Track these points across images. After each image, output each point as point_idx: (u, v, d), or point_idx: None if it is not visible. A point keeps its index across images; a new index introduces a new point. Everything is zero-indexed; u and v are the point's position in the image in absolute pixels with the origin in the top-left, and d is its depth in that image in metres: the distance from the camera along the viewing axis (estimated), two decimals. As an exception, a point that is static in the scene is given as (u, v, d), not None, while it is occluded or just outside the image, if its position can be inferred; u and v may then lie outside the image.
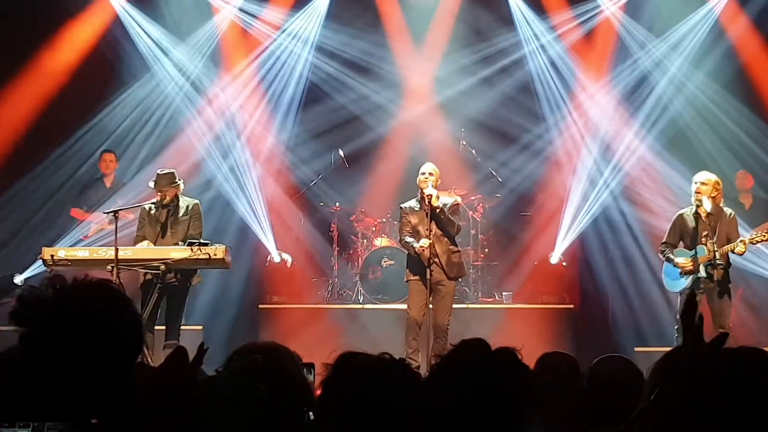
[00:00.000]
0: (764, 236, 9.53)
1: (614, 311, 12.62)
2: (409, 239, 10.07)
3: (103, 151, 12.52)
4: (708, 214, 9.52)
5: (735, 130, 12.64)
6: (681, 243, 9.81)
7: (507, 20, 13.29)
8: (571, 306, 12.13)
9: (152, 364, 8.99)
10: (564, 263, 12.67)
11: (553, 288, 12.51)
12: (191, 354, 2.43)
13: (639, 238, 12.70)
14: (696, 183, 9.62)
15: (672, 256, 9.72)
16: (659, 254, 10.01)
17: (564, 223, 12.78)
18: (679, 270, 9.69)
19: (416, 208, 10.14)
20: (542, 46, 13.31)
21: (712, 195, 9.56)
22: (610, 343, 11.94)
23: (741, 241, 9.44)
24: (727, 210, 9.81)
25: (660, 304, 11.99)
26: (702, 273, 9.48)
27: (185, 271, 9.65)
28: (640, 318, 12.34)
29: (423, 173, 10.06)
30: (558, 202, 13.01)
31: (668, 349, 3.36)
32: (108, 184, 12.33)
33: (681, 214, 9.86)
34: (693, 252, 9.59)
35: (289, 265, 12.75)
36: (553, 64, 13.31)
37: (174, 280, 9.59)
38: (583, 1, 13.16)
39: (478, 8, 13.18)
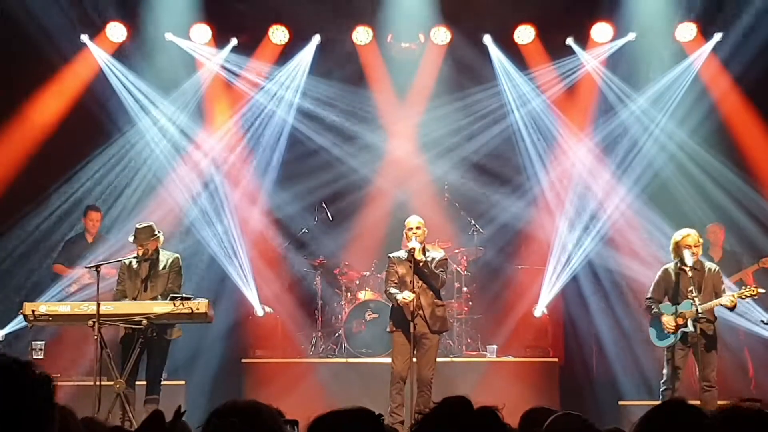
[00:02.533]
0: (753, 291, 9.58)
1: (598, 364, 12.60)
2: (393, 290, 10.06)
3: (89, 207, 12.45)
4: (692, 269, 9.56)
5: (716, 184, 12.70)
6: (666, 297, 9.84)
7: (490, 75, 13.37)
8: (556, 359, 12.10)
9: (133, 421, 8.92)
10: (547, 316, 12.64)
11: (538, 341, 12.49)
12: (168, 415, 2.39)
13: (622, 291, 12.71)
14: (689, 245, 9.63)
15: (660, 312, 9.75)
16: (646, 309, 10.02)
17: (548, 276, 12.78)
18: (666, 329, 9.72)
19: (404, 259, 10.14)
20: (524, 100, 13.40)
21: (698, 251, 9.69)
22: (594, 396, 11.93)
23: (731, 294, 9.49)
24: (710, 264, 9.89)
25: (644, 357, 11.98)
26: (690, 327, 9.51)
27: (163, 325, 9.58)
28: (624, 371, 12.30)
29: (410, 228, 10.08)
30: (541, 255, 13.02)
31: (653, 403, 3.35)
32: (90, 240, 12.27)
33: (666, 269, 9.89)
34: (674, 309, 9.62)
35: (263, 313, 12.65)
36: (535, 117, 13.40)
37: (154, 334, 9.50)
38: (565, 56, 13.29)
39: (461, 62, 13.26)
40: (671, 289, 9.78)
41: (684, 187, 12.82)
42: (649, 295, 9.98)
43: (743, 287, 9.99)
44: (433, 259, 10.10)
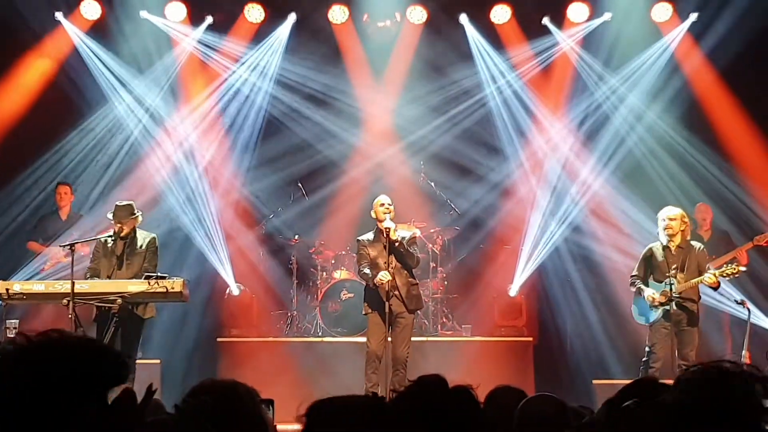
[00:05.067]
0: (735, 269, 9.60)
1: (572, 344, 12.67)
2: (367, 270, 10.08)
3: (58, 183, 12.39)
4: (677, 248, 9.61)
5: (690, 163, 12.77)
6: (651, 276, 9.89)
7: (466, 55, 13.35)
8: (530, 339, 12.14)
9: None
10: (522, 295, 12.70)
11: (512, 321, 12.51)
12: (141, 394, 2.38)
13: (598, 270, 12.78)
14: (664, 219, 9.70)
15: (642, 287, 9.80)
16: (630, 286, 10.07)
17: (523, 255, 12.82)
18: (649, 303, 9.77)
19: (374, 241, 10.14)
20: (500, 81, 13.39)
21: (681, 229, 9.67)
22: (568, 375, 12.00)
23: (713, 273, 9.52)
24: (696, 244, 9.94)
25: (617, 336, 12.09)
26: (673, 305, 9.54)
27: (136, 304, 9.54)
28: (598, 350, 12.39)
29: (382, 204, 10.09)
30: (517, 234, 13.05)
31: (625, 381, 3.37)
32: (63, 217, 12.20)
33: (651, 248, 9.94)
34: (663, 285, 9.66)
35: (239, 292, 12.63)
36: (511, 98, 13.39)
37: (126, 313, 9.45)
38: (541, 36, 13.28)
39: (438, 43, 13.23)
40: (656, 267, 9.82)
41: (658, 165, 12.88)
42: (634, 273, 10.04)
43: (727, 265, 9.99)
44: (404, 237, 10.12)
